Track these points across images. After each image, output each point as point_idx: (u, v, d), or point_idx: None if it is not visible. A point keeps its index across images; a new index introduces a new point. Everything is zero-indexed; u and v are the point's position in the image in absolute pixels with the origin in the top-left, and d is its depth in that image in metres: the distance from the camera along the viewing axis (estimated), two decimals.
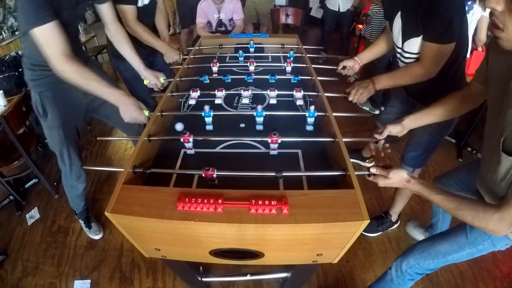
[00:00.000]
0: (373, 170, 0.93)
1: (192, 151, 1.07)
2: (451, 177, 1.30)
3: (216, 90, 1.32)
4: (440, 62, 1.23)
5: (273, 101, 1.31)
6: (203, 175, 0.87)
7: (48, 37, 1.12)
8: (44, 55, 1.14)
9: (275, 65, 1.68)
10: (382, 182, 0.92)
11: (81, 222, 1.97)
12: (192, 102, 1.35)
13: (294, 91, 1.30)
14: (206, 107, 1.13)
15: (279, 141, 1.00)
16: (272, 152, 1.04)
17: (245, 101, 1.34)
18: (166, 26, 2.13)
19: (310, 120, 1.15)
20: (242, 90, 1.35)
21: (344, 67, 1.64)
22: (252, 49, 1.81)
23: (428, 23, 1.18)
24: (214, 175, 0.87)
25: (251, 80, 1.42)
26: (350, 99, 1.36)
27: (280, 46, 1.88)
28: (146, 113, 1.26)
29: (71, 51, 1.17)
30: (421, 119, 1.14)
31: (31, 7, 1.08)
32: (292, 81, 1.44)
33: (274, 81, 1.42)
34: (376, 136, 1.13)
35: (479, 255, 1.06)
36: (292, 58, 1.65)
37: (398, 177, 0.89)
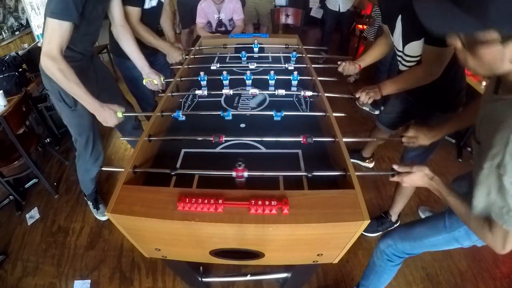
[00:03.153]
0: (395, 167, 0.95)
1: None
2: (465, 178, 1.31)
3: (223, 89, 1.34)
4: (442, 64, 1.24)
5: (281, 92, 1.31)
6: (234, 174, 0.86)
7: (57, 32, 1.18)
8: (43, 43, 1.20)
9: (276, 66, 1.68)
10: (407, 179, 0.93)
11: (90, 203, 2.07)
12: (199, 92, 1.36)
13: (302, 91, 1.31)
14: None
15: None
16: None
17: (246, 101, 1.34)
18: (171, 27, 2.14)
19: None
20: (249, 90, 1.36)
21: (344, 68, 1.65)
22: (256, 49, 1.81)
23: None
24: (245, 175, 0.86)
25: (250, 80, 1.42)
26: (357, 96, 1.43)
27: (285, 46, 1.89)
28: (120, 114, 1.34)
29: (63, 52, 1.23)
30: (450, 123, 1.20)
31: (63, 1, 1.15)
32: (292, 80, 1.44)
33: (273, 80, 1.43)
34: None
35: (457, 246, 1.07)
36: (294, 59, 1.65)
37: (421, 172, 0.90)
